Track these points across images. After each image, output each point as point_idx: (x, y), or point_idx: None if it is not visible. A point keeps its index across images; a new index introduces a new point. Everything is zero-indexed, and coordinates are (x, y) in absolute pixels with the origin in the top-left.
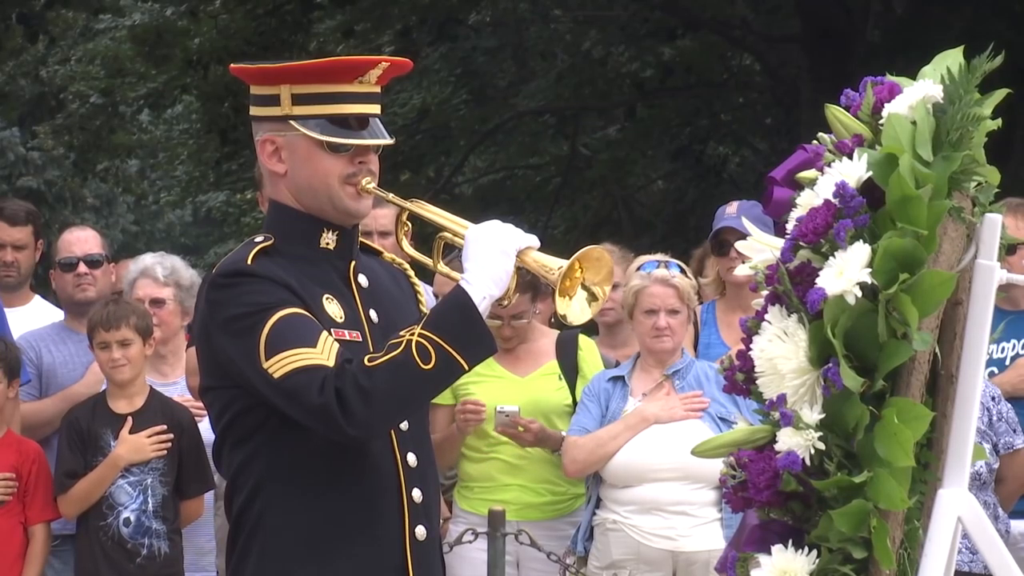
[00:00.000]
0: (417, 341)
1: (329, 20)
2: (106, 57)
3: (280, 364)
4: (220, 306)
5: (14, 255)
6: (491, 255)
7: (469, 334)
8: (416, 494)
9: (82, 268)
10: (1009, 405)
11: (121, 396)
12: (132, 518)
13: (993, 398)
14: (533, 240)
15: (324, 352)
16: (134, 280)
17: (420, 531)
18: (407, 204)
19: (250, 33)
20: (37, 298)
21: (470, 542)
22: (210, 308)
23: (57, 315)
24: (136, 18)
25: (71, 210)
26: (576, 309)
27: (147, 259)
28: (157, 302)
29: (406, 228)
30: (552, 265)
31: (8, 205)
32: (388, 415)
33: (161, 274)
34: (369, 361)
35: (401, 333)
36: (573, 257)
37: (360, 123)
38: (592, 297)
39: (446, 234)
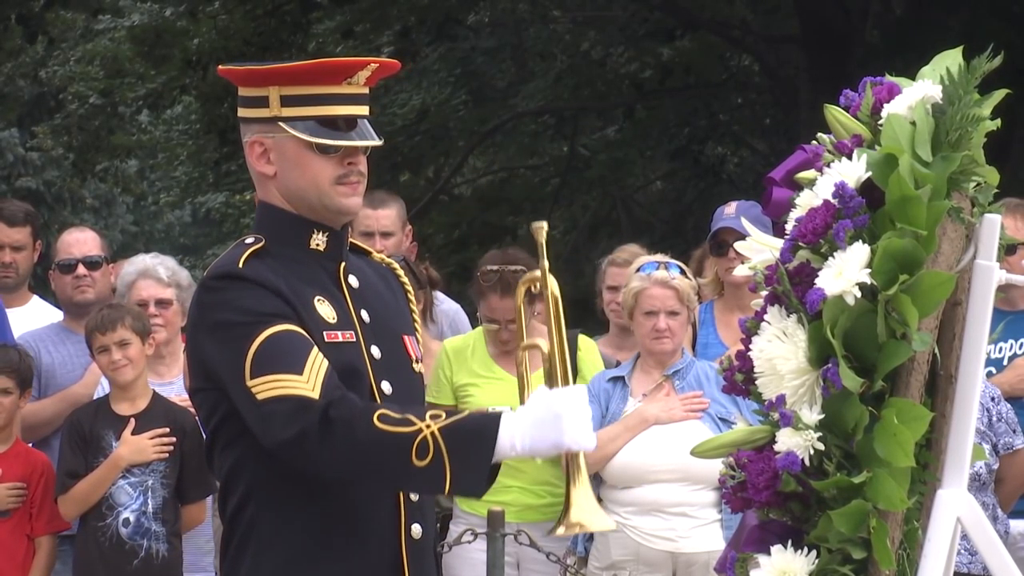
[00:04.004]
0: (426, 437)
1: (328, 21)
2: (105, 58)
3: (264, 387)
4: (210, 310)
5: (12, 256)
6: (548, 436)
7: (472, 465)
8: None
9: (81, 270)
10: (1009, 405)
11: (124, 398)
12: (131, 518)
13: (993, 398)
14: (589, 447)
15: (310, 380)
16: (133, 281)
17: (416, 530)
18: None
19: (249, 34)
20: (35, 298)
21: (469, 542)
22: (200, 311)
23: (55, 315)
24: (135, 19)
25: (70, 211)
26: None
27: (146, 260)
28: (162, 303)
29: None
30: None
31: (6, 206)
32: (346, 466)
33: (164, 275)
34: (379, 420)
35: (423, 417)
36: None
37: (348, 124)
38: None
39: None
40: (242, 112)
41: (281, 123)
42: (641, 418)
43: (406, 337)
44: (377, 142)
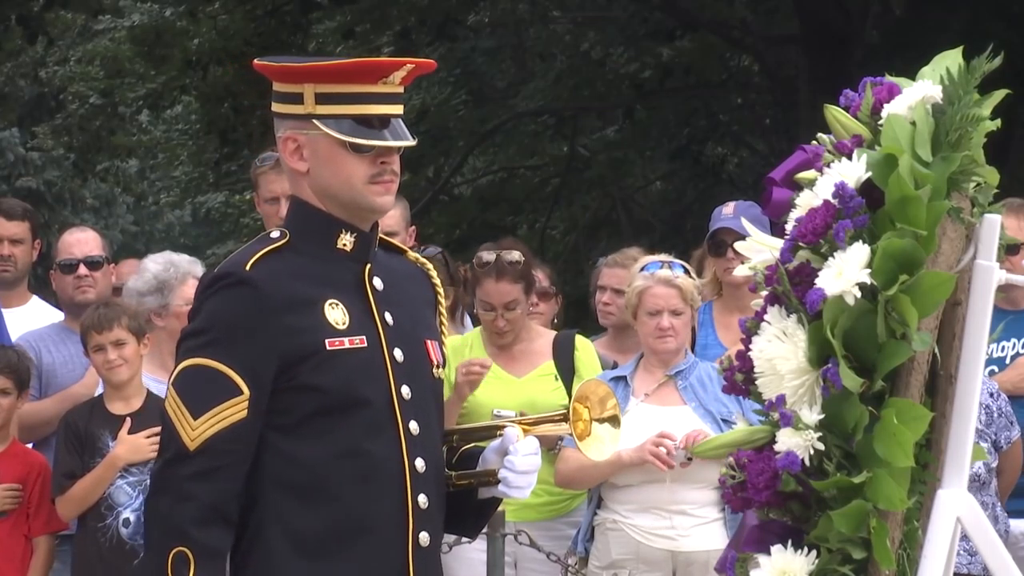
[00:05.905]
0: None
1: (328, 21)
2: (105, 58)
3: (169, 409)
4: (195, 313)
5: (11, 249)
6: None
7: None
8: (422, 499)
9: (82, 270)
10: (1006, 399)
11: (118, 398)
12: (132, 518)
13: (991, 394)
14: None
15: (197, 430)
16: (184, 281)
17: (424, 537)
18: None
19: (249, 34)
20: (35, 299)
21: (469, 542)
22: (192, 308)
23: (55, 316)
24: (135, 19)
25: (71, 211)
26: (604, 444)
27: (183, 259)
28: None
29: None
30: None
31: (4, 200)
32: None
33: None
34: (183, 533)
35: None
36: (571, 403)
37: (382, 123)
38: (613, 421)
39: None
40: (276, 107)
41: (315, 120)
42: (616, 457)
43: (429, 341)
44: (411, 142)
